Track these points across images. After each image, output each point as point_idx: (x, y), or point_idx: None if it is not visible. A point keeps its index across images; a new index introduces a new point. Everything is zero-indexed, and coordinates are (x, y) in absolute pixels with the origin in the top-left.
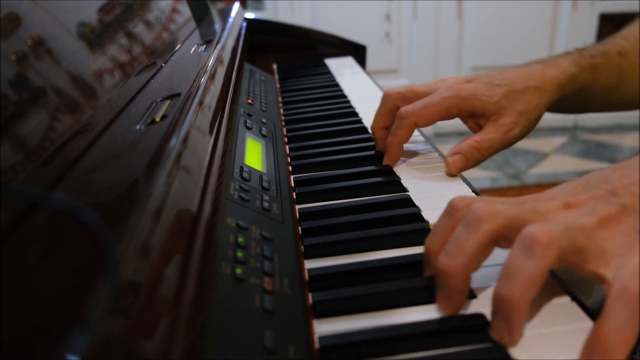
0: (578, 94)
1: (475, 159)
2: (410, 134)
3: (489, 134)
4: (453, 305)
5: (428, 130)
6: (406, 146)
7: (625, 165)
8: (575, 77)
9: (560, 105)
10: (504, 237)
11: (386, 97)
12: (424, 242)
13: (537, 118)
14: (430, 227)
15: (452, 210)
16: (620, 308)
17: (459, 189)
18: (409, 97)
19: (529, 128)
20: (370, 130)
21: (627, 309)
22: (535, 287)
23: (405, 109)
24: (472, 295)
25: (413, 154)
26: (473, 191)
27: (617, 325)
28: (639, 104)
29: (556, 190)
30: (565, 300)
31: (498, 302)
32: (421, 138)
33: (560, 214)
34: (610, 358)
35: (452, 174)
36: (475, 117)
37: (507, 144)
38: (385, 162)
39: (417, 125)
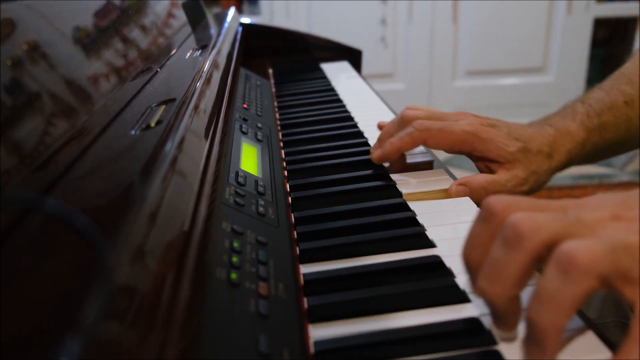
0: (587, 154)
1: (479, 197)
2: (415, 146)
3: (500, 180)
4: (509, 327)
5: None
6: None
7: None
8: (584, 144)
9: (570, 164)
10: (548, 253)
11: (404, 120)
12: (462, 252)
13: (544, 183)
14: (426, 231)
15: (489, 216)
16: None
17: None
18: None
19: (534, 190)
20: (365, 135)
21: None
22: (571, 314)
23: (422, 122)
24: (466, 299)
25: (409, 158)
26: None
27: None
28: None
29: (604, 199)
30: None
31: (530, 326)
32: None
33: (608, 226)
34: None
35: None
36: (486, 161)
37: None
38: (375, 156)
39: (425, 143)
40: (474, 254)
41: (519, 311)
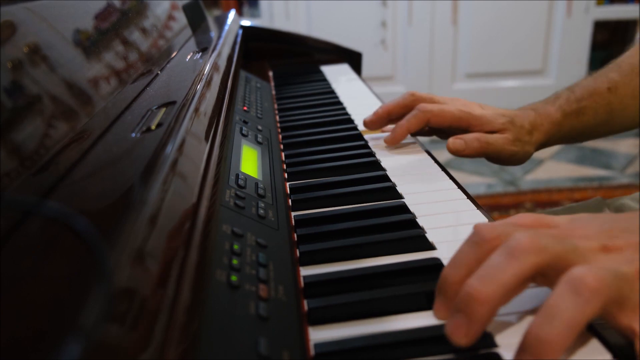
0: (566, 135)
1: (473, 148)
2: (420, 126)
3: (492, 136)
4: (470, 335)
5: (424, 138)
6: (404, 154)
7: None
8: (560, 125)
9: (551, 143)
10: (543, 274)
11: (410, 94)
12: (444, 270)
13: (529, 153)
14: (426, 234)
15: (480, 241)
16: None
17: (453, 196)
18: (428, 102)
19: (520, 158)
20: (365, 137)
21: None
22: (575, 334)
23: (425, 105)
24: None
25: (410, 161)
26: (469, 198)
27: None
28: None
29: (589, 227)
30: None
31: (534, 343)
32: (418, 147)
33: (600, 257)
34: None
35: (451, 153)
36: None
37: (502, 152)
38: (389, 140)
39: (429, 123)
40: (457, 272)
41: (487, 325)
